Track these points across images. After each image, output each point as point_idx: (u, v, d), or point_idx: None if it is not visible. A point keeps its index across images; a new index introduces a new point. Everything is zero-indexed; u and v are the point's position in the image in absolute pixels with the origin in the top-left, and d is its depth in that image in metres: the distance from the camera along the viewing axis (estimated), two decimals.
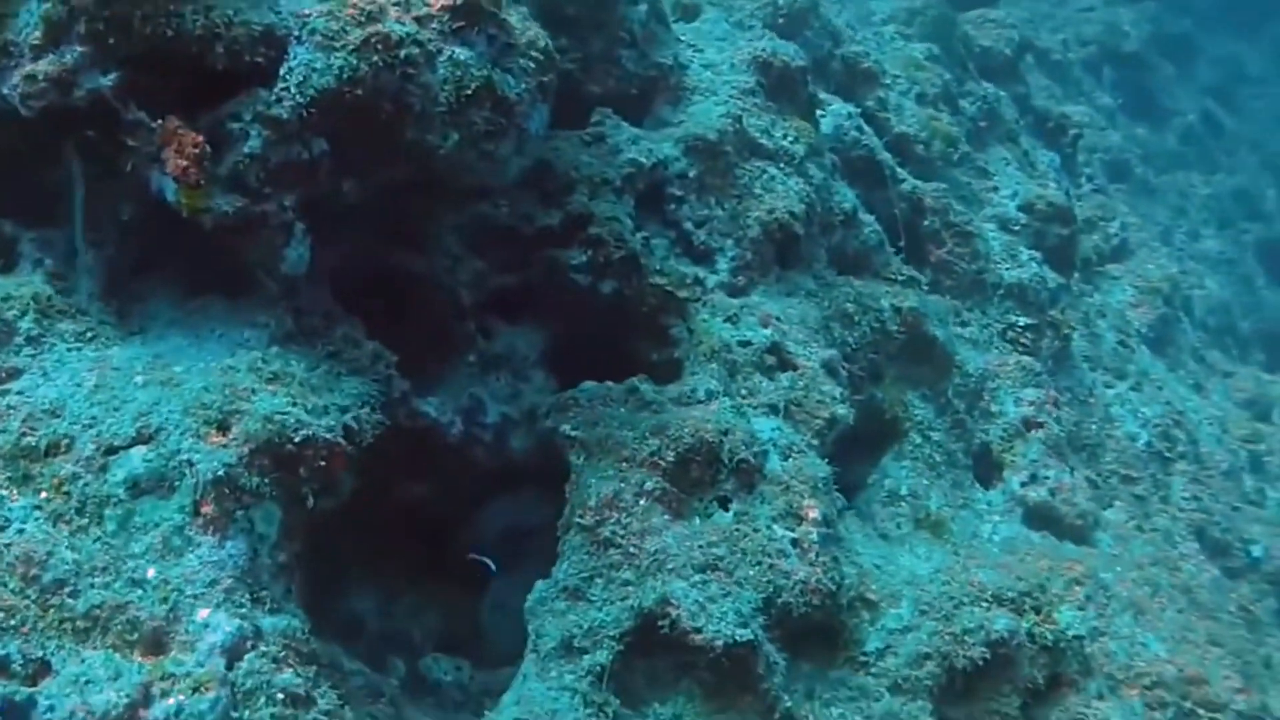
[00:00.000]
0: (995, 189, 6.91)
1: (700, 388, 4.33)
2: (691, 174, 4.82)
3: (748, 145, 5.04)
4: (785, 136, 5.20)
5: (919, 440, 5.28)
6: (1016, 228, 6.72)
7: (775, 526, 3.97)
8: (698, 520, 3.96)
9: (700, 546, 3.82)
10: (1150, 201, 9.53)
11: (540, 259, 4.55)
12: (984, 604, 4.27)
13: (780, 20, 6.26)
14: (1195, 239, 9.76)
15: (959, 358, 5.59)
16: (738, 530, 3.92)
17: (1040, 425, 5.57)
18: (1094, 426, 6.25)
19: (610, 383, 4.28)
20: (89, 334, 3.47)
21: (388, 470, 4.01)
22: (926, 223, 6.24)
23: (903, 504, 5.05)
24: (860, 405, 5.16)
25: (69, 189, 3.65)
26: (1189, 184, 10.44)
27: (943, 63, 7.11)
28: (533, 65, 3.80)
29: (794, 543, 3.97)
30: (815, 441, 4.41)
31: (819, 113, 5.88)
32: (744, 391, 4.39)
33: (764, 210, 4.92)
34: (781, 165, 5.11)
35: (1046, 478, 5.43)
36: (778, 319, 4.72)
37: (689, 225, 4.82)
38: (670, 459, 3.95)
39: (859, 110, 6.21)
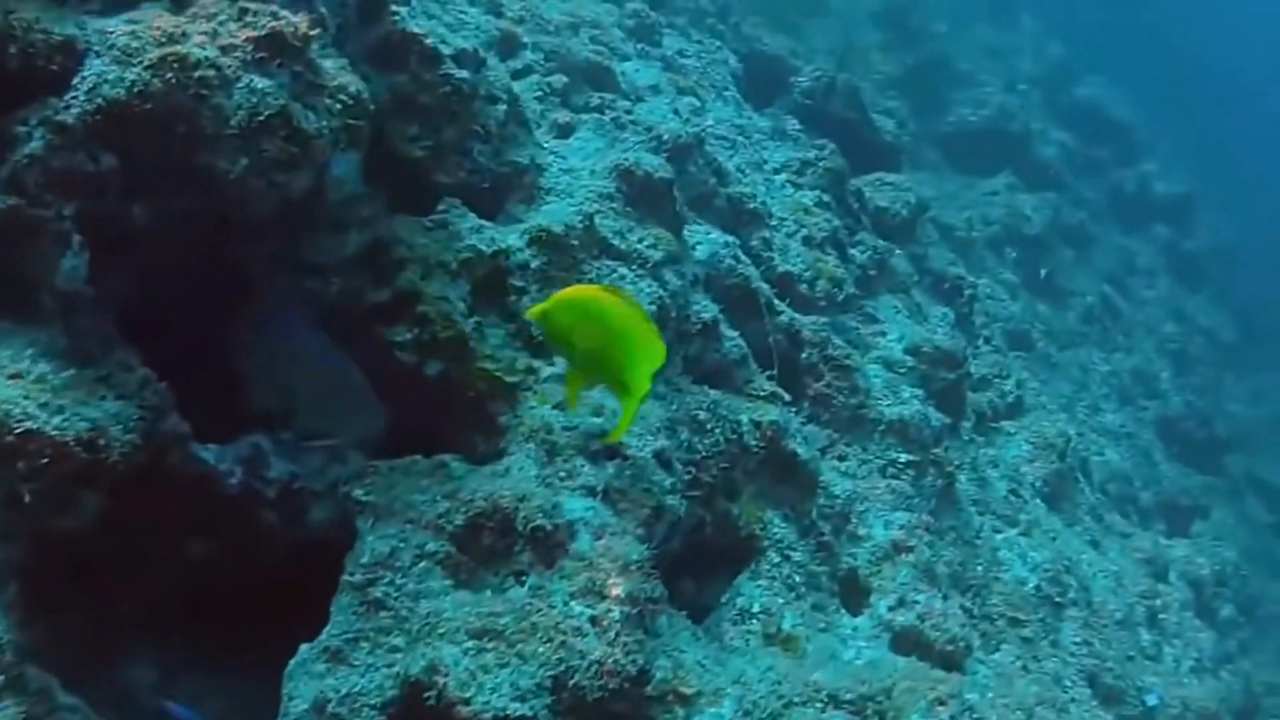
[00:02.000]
0: (883, 334, 6.79)
1: (514, 467, 4.08)
2: (534, 265, 4.70)
3: (598, 244, 4.93)
4: (641, 241, 5.08)
5: (777, 559, 4.97)
6: (902, 370, 6.57)
7: (573, 603, 3.64)
8: (488, 593, 3.64)
9: (481, 614, 3.48)
10: (1052, 374, 9.56)
11: (368, 337, 4.40)
12: (818, 704, 3.88)
13: (663, 154, 6.22)
14: (1096, 412, 9.77)
15: (824, 479, 5.34)
16: (529, 605, 3.59)
17: (910, 549, 5.26)
18: (980, 568, 5.93)
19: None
20: None
21: (163, 519, 3.72)
22: (804, 355, 6.09)
23: (754, 621, 4.69)
24: (714, 522, 4.90)
25: None
26: (1090, 360, 10.57)
27: (834, 211, 7.12)
28: (339, 107, 3.76)
29: (593, 620, 3.62)
30: (640, 530, 4.11)
31: (694, 240, 5.82)
32: (562, 474, 4.11)
33: None
34: (634, 267, 4.99)
35: (916, 602, 5.08)
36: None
37: None
38: (458, 522, 3.67)
39: (738, 243, 6.15)
